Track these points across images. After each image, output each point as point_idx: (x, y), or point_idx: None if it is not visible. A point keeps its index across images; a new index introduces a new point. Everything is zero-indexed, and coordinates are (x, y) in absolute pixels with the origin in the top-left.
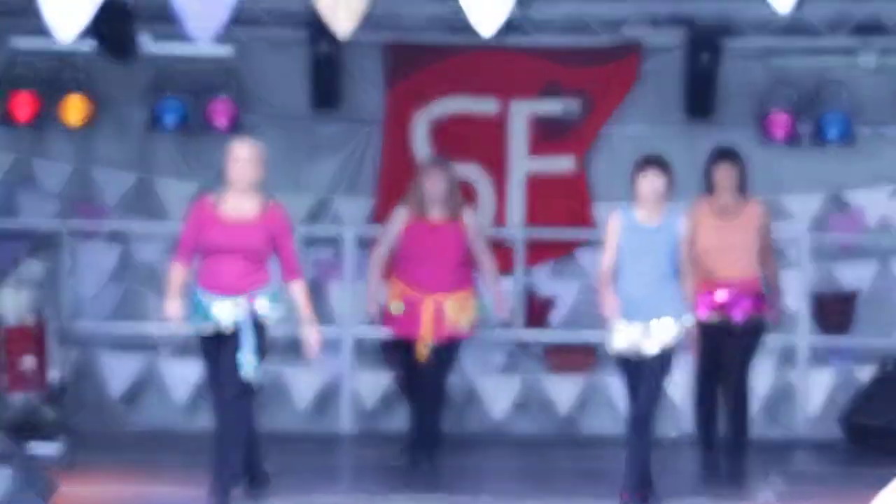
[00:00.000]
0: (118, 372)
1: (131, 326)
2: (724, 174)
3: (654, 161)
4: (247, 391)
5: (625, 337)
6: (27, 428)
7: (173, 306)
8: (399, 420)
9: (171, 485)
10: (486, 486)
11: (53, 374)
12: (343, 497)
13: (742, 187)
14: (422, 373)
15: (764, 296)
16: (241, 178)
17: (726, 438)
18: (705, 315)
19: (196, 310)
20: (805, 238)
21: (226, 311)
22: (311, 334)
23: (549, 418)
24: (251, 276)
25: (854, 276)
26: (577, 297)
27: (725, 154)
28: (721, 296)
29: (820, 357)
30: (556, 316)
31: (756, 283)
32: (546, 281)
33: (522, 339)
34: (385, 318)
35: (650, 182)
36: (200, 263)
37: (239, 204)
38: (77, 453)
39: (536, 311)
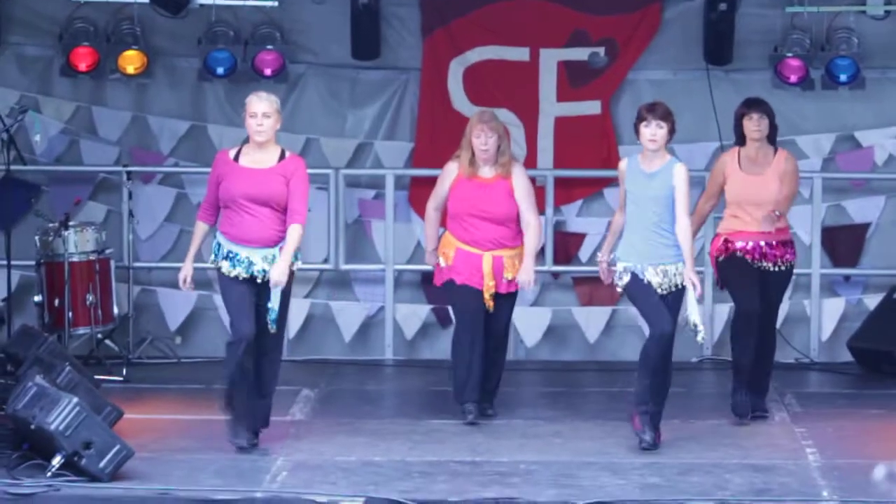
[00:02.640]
0: (175, 307)
1: None
2: (754, 125)
3: (656, 109)
4: (280, 341)
5: (629, 269)
6: (92, 359)
7: (185, 271)
8: (436, 349)
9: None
10: (520, 410)
11: (116, 309)
12: (387, 421)
13: (771, 138)
14: (485, 322)
15: (792, 243)
16: (257, 133)
17: (753, 368)
18: (741, 255)
19: (227, 258)
20: (818, 176)
21: (255, 262)
22: (278, 268)
23: (578, 346)
24: (277, 227)
25: (863, 211)
26: (604, 233)
27: (754, 104)
28: (754, 244)
29: (832, 287)
30: (584, 251)
31: (786, 233)
32: (575, 218)
33: (553, 273)
34: (438, 271)
35: (651, 130)
36: (226, 216)
37: (258, 156)
38: (138, 383)
39: (566, 246)
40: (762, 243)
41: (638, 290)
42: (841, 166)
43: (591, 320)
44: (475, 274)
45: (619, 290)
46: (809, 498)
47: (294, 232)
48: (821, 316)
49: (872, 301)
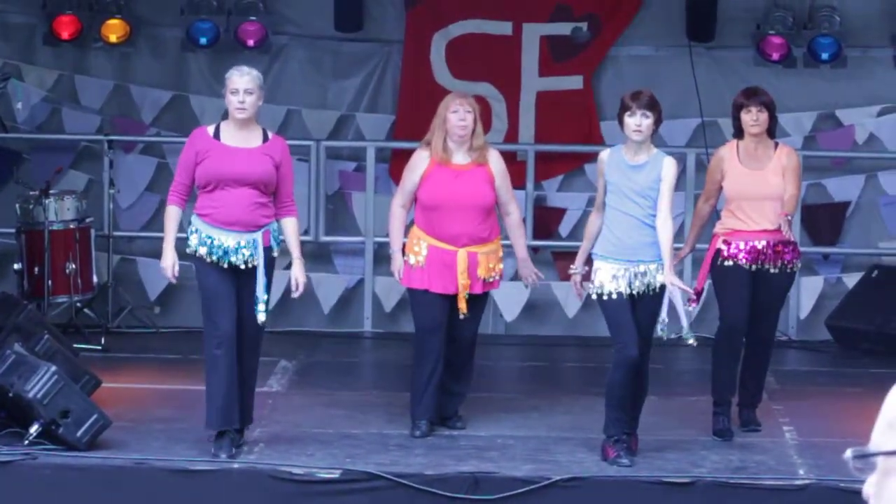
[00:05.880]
0: (154, 276)
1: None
2: (752, 118)
3: (640, 98)
4: (262, 331)
5: (607, 275)
6: (71, 328)
7: (168, 260)
8: None
9: (202, 382)
10: (498, 384)
11: (95, 278)
12: (365, 394)
13: (771, 132)
14: (453, 325)
15: (795, 245)
16: (239, 111)
17: (745, 379)
18: (736, 263)
19: (204, 244)
20: (798, 154)
21: (238, 247)
22: (301, 274)
23: (557, 321)
24: (262, 208)
25: (843, 189)
26: (584, 208)
27: (753, 96)
28: (753, 246)
29: (810, 265)
30: (564, 226)
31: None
32: (555, 193)
33: (533, 248)
34: (407, 271)
35: (636, 121)
36: (206, 198)
37: (242, 134)
38: (116, 352)
39: (546, 221)
40: (761, 244)
41: (610, 301)
42: (822, 144)
43: (571, 295)
44: (447, 275)
45: (590, 291)
46: (786, 476)
47: (294, 225)
48: (799, 294)
49: (851, 280)
